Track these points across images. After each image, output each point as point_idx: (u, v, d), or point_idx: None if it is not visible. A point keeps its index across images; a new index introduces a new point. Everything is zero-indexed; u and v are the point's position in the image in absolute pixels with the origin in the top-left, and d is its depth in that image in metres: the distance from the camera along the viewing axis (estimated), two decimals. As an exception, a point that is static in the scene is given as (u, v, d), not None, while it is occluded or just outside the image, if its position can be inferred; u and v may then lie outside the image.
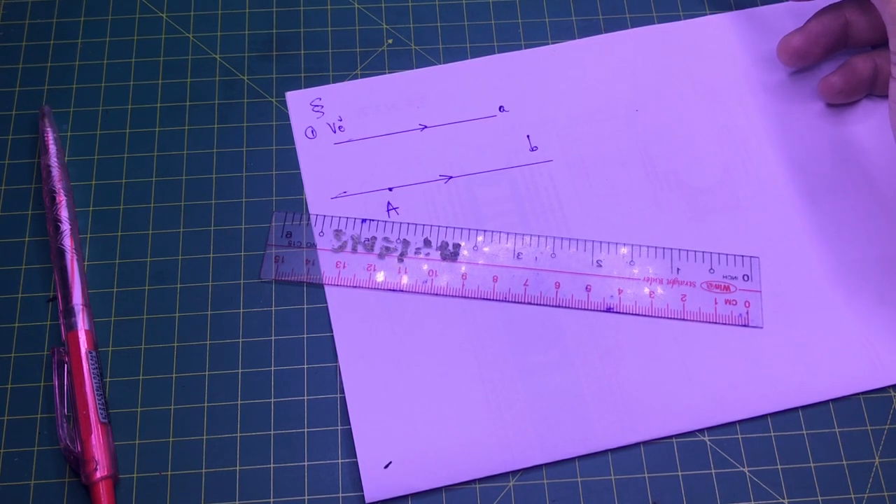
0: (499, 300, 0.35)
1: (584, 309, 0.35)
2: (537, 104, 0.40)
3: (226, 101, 0.40)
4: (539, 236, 0.36)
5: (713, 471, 0.33)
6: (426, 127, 0.39)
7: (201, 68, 0.40)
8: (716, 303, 0.35)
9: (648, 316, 0.35)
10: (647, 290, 0.35)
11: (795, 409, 0.34)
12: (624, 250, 0.36)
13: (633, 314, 0.35)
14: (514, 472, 0.33)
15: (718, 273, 0.36)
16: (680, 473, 0.33)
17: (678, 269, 0.36)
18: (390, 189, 0.38)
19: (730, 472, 0.33)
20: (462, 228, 0.37)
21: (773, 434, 0.34)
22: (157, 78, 0.40)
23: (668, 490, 0.33)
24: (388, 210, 0.37)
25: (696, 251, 0.36)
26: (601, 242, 0.36)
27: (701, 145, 0.39)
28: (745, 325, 0.35)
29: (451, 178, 0.38)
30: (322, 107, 0.39)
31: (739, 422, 0.34)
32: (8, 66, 0.40)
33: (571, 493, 0.33)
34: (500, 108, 0.40)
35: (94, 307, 0.35)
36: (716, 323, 0.35)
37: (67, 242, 0.35)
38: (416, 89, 0.40)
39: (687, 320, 0.35)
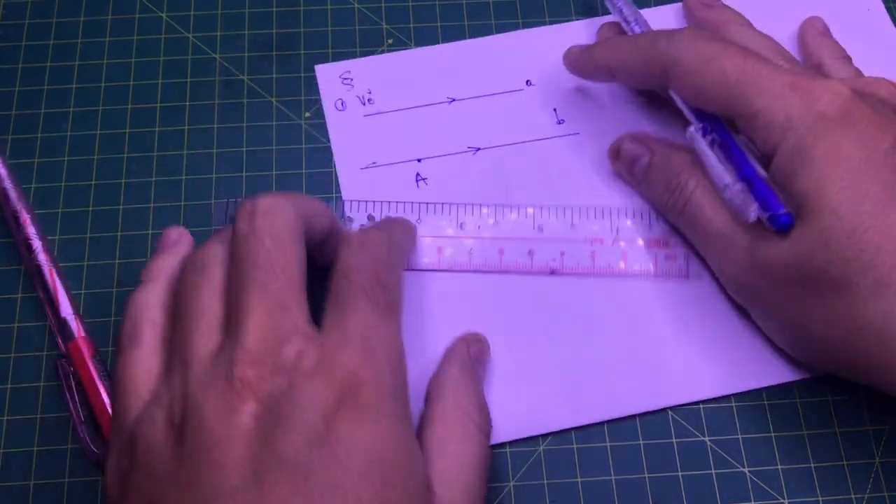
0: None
1: (528, 273, 0.36)
2: (563, 79, 0.40)
3: (226, 101, 0.40)
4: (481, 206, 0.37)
5: (713, 471, 0.33)
6: (454, 100, 0.39)
7: (201, 68, 0.40)
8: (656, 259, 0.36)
9: (591, 275, 0.36)
10: (589, 252, 0.36)
11: (795, 409, 0.34)
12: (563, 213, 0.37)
13: (575, 275, 0.36)
14: (515, 472, 0.33)
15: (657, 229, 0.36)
16: (680, 473, 0.33)
17: (618, 229, 0.36)
18: (419, 160, 0.38)
19: (730, 472, 0.33)
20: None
21: (773, 434, 0.34)
22: (157, 78, 0.40)
23: (668, 490, 0.33)
24: (416, 181, 0.37)
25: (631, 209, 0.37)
26: (541, 208, 0.37)
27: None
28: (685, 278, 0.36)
29: (479, 149, 0.38)
30: (351, 80, 0.40)
31: (737, 404, 0.34)
32: (8, 66, 0.40)
33: (571, 493, 0.33)
34: (528, 83, 0.40)
35: (93, 307, 0.35)
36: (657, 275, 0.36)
37: (42, 258, 0.35)
38: (444, 63, 0.40)
39: (628, 276, 0.36)
